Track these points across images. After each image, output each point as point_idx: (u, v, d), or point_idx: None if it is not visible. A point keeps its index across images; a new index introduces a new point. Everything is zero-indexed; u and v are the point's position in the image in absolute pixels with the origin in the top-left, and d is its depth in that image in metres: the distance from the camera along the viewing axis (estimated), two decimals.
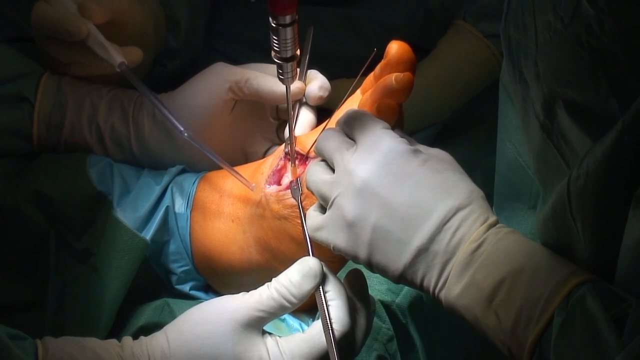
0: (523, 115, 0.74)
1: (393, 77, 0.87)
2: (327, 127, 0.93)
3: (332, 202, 0.82)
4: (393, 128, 0.87)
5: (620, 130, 0.63)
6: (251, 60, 1.10)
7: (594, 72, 0.64)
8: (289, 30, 0.81)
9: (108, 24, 1.03)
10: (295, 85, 1.01)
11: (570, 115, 0.67)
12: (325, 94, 1.04)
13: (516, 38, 0.72)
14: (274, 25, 0.80)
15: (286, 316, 1.01)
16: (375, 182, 0.80)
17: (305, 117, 1.03)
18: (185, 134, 0.98)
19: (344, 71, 1.19)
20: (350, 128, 0.85)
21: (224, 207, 1.01)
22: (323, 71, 1.07)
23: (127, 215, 1.01)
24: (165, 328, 0.85)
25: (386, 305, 0.96)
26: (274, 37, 0.82)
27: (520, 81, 0.73)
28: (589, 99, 0.65)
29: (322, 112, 1.07)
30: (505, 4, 0.74)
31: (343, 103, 0.96)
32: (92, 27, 1.00)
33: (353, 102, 0.95)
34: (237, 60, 1.24)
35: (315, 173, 0.86)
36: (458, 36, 1.25)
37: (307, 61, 1.05)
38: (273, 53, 0.83)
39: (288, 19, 0.80)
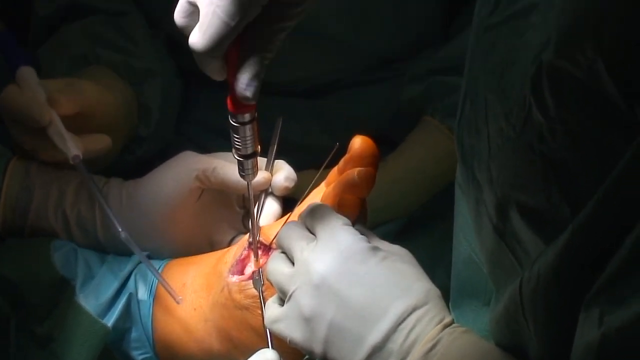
0: (476, 216, 0.75)
1: (355, 172, 0.89)
2: (290, 219, 0.94)
3: (290, 296, 0.83)
4: (355, 223, 0.88)
5: (570, 234, 0.64)
6: (220, 147, 1.11)
7: (546, 178, 0.66)
8: (248, 128, 0.82)
9: (78, 114, 1.04)
10: (262, 175, 1.03)
11: (523, 219, 0.68)
12: (291, 184, 1.05)
13: (469, 142, 0.74)
14: (233, 123, 0.82)
15: None
16: (333, 279, 0.80)
17: (270, 208, 1.04)
18: (122, 235, 0.99)
19: (312, 162, 1.20)
20: (312, 222, 0.86)
21: (187, 295, 1.02)
22: (291, 161, 1.08)
23: (90, 301, 1.01)
24: None
25: None
26: (234, 135, 0.83)
27: (474, 184, 0.74)
28: (541, 203, 0.67)
29: (289, 201, 1.08)
30: (459, 108, 0.76)
31: (307, 195, 0.98)
32: (55, 117, 1.02)
33: (317, 195, 0.97)
34: (205, 146, 1.26)
35: (276, 265, 0.87)
36: (425, 131, 1.27)
37: (274, 151, 1.07)
38: (234, 150, 0.85)
39: (247, 116, 0.81)
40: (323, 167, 0.93)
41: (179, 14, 0.77)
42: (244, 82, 0.77)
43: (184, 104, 1.31)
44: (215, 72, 0.78)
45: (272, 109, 1.26)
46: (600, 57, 0.58)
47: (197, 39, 0.75)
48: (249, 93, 0.78)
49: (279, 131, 1.07)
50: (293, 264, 0.86)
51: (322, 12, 1.22)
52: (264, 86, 0.79)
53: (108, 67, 1.20)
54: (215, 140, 1.26)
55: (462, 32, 1.27)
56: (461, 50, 0.81)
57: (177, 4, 0.78)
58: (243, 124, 0.82)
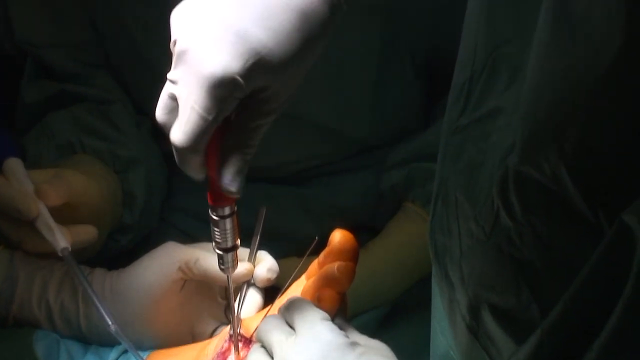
0: (450, 314, 0.76)
1: (335, 267, 0.90)
2: (270, 311, 0.94)
3: None
4: (335, 317, 0.89)
5: (540, 335, 0.65)
6: (204, 233, 1.11)
7: (515, 280, 0.67)
8: (228, 221, 0.83)
9: (64, 205, 1.06)
10: (244, 267, 1.03)
11: (495, 319, 0.69)
12: (273, 276, 1.05)
13: (442, 241, 0.75)
14: (213, 217, 0.83)
15: None
16: None
17: (252, 299, 1.05)
18: (112, 329, 1.00)
19: (295, 249, 1.21)
20: (291, 316, 0.87)
21: None
22: (274, 249, 1.09)
23: None
24: None
25: None
26: (214, 228, 0.84)
27: (447, 282, 0.75)
28: (512, 304, 0.68)
29: (271, 289, 1.08)
30: (432, 207, 0.78)
31: (287, 287, 0.98)
32: (42, 209, 1.03)
33: (298, 287, 0.97)
34: (189, 233, 1.27)
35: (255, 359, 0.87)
36: (407, 218, 1.28)
37: (257, 242, 1.07)
38: (214, 244, 0.85)
39: (227, 210, 0.82)
40: (304, 258, 0.94)
41: (160, 110, 0.78)
42: (228, 178, 0.78)
43: (167, 190, 1.32)
44: (195, 169, 0.78)
45: (254, 195, 1.27)
46: (563, 164, 0.60)
47: (177, 134, 0.75)
48: (233, 188, 0.78)
49: (262, 221, 1.08)
50: (272, 358, 0.86)
51: (305, 99, 1.24)
52: (249, 163, 0.80)
53: (94, 156, 1.21)
54: (199, 226, 1.27)
55: (442, 118, 1.28)
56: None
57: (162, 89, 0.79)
58: (223, 217, 0.83)
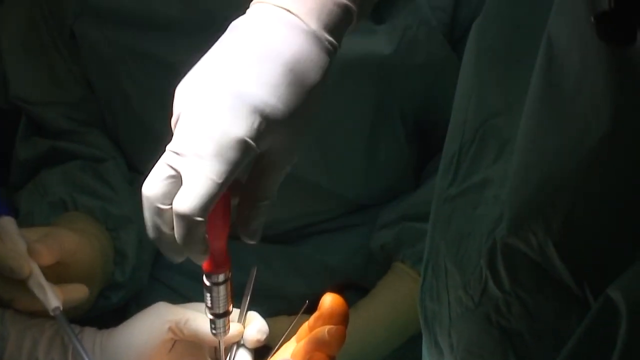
0: None
1: (325, 330, 0.90)
2: None
3: None
4: None
5: None
6: (194, 291, 1.12)
7: (503, 349, 0.68)
8: (222, 288, 0.84)
9: (56, 263, 1.06)
10: (234, 328, 1.03)
11: None
12: (262, 337, 1.05)
13: (431, 308, 0.76)
14: (207, 283, 0.83)
15: None
16: None
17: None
18: None
19: (286, 308, 1.21)
20: None
21: None
22: (264, 307, 1.09)
23: None
24: None
25: None
26: (208, 294, 0.84)
27: (436, 349, 0.76)
28: None
29: (261, 349, 1.08)
30: (422, 274, 0.79)
31: (277, 349, 0.98)
32: (35, 268, 1.03)
33: (288, 349, 0.97)
34: (180, 291, 1.27)
35: None
36: (397, 277, 1.29)
37: (247, 302, 1.08)
38: (206, 309, 0.86)
39: (222, 277, 0.83)
40: (295, 320, 0.94)
41: (157, 182, 0.75)
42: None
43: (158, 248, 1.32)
44: (199, 241, 0.75)
45: (244, 252, 1.27)
46: (550, 239, 0.61)
47: (186, 202, 0.73)
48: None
49: (252, 281, 1.09)
50: None
51: (298, 158, 1.25)
52: (236, 229, 0.80)
53: (86, 213, 1.22)
54: (190, 284, 1.27)
55: (433, 177, 1.30)
56: (431, 196, 0.83)
57: (157, 146, 0.77)
58: (217, 284, 0.84)
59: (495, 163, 0.70)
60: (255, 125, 0.71)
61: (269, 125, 0.72)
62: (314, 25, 0.72)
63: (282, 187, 1.28)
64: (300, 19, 0.71)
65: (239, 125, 0.71)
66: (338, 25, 0.72)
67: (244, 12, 0.77)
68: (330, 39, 0.72)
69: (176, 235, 0.74)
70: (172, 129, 0.75)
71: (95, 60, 1.26)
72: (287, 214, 1.33)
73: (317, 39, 0.72)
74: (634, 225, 0.59)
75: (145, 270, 1.28)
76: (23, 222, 1.19)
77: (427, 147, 1.36)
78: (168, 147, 0.75)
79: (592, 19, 0.54)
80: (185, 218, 0.74)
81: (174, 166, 0.74)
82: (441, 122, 1.28)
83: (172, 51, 1.20)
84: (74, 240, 1.11)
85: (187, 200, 0.73)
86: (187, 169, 0.73)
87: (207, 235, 0.77)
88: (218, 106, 0.72)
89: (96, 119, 1.31)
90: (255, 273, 1.10)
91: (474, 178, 0.72)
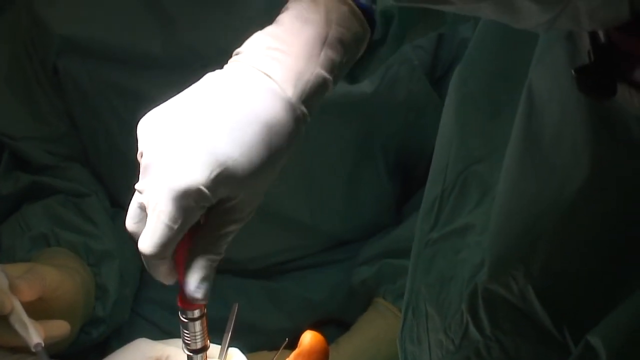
0: None
1: None
2: None
3: None
4: None
5: None
6: (175, 326, 1.11)
7: None
8: (197, 323, 0.84)
9: (38, 299, 1.06)
10: None
11: None
12: None
13: (412, 350, 0.77)
14: (183, 319, 0.83)
15: None
16: None
17: None
18: None
19: (267, 343, 1.21)
20: None
21: None
22: (245, 342, 1.09)
23: None
24: None
25: None
26: (184, 330, 0.84)
27: None
28: None
29: None
30: (402, 316, 0.79)
31: None
32: (17, 304, 1.03)
33: None
34: (161, 326, 1.27)
35: None
36: (377, 313, 1.29)
37: (228, 338, 1.08)
38: (183, 345, 0.86)
39: (197, 313, 0.83)
40: (276, 355, 0.95)
41: (130, 220, 0.78)
42: (194, 285, 0.79)
43: (140, 282, 1.33)
44: (164, 276, 0.79)
45: (224, 288, 1.28)
46: (530, 285, 0.62)
47: (145, 243, 0.75)
48: (199, 295, 0.79)
49: (234, 318, 1.09)
50: None
51: (279, 194, 1.26)
52: (218, 264, 0.81)
53: (67, 248, 1.22)
54: (171, 319, 1.27)
55: (415, 213, 1.31)
56: (412, 232, 0.83)
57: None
58: (192, 319, 0.84)
59: (477, 208, 0.71)
60: (213, 175, 0.71)
61: (227, 179, 0.72)
62: (290, 92, 0.72)
63: (264, 222, 1.30)
64: (278, 85, 0.72)
65: (198, 174, 0.71)
66: (313, 97, 0.73)
67: (226, 50, 0.78)
68: (304, 109, 0.73)
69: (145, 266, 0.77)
70: (138, 163, 0.76)
71: (78, 95, 1.27)
72: (268, 249, 1.34)
73: (292, 107, 0.72)
74: (613, 272, 0.60)
75: (126, 305, 1.28)
76: (4, 256, 1.19)
77: (409, 181, 1.38)
78: (135, 186, 0.75)
79: (573, 72, 0.55)
80: (146, 257, 0.76)
81: (141, 204, 0.75)
82: (423, 158, 1.30)
83: (154, 86, 1.20)
84: (56, 276, 1.11)
85: (146, 242, 0.75)
86: (148, 210, 0.75)
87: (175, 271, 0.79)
88: (180, 151, 0.72)
89: (78, 154, 1.32)
90: (237, 309, 1.10)
91: (455, 223, 0.73)
